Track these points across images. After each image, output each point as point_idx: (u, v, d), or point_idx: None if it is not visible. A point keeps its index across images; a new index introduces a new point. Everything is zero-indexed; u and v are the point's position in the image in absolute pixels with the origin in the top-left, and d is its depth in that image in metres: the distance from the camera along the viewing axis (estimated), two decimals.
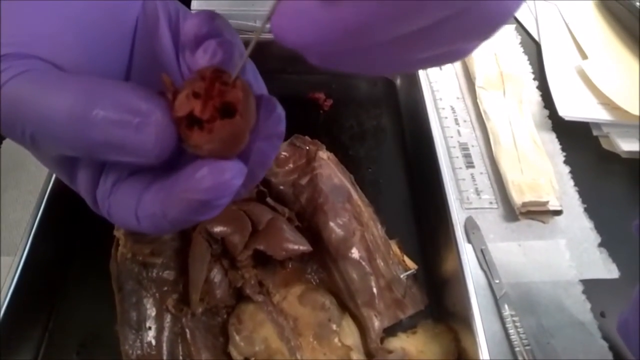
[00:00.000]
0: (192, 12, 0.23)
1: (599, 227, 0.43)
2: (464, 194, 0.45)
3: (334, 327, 0.33)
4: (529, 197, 0.42)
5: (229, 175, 0.17)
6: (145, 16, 0.21)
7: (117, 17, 0.20)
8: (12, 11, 0.18)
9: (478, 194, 0.45)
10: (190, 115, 0.16)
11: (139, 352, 0.32)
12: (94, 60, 0.19)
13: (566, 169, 0.47)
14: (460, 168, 0.46)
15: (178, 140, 0.17)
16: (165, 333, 0.33)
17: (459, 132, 0.49)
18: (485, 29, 0.16)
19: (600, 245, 0.42)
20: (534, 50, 0.57)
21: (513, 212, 0.43)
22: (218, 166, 0.17)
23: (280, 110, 0.18)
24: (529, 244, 0.42)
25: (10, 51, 0.17)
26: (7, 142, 0.45)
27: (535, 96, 0.53)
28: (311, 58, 0.17)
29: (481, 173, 0.46)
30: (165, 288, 0.33)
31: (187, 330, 0.33)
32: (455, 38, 0.15)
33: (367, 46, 0.15)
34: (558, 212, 0.43)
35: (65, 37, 0.18)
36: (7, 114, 0.16)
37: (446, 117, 0.50)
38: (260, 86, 0.21)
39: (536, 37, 0.58)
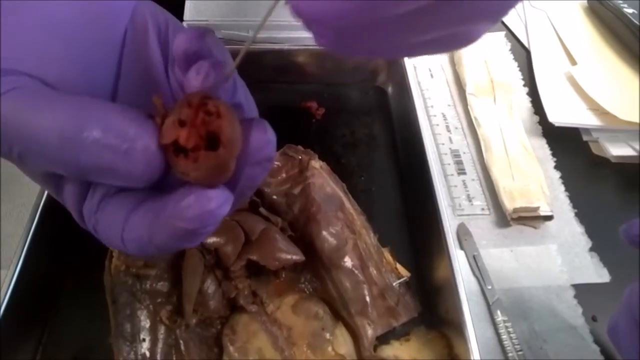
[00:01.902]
0: (184, 26, 0.23)
1: (590, 232, 0.44)
2: (456, 201, 0.45)
3: (328, 336, 0.33)
4: (519, 203, 0.43)
5: (215, 205, 0.17)
6: (133, 28, 0.21)
7: (105, 30, 0.20)
8: None
9: (470, 201, 0.45)
10: (176, 142, 0.16)
11: None
12: (81, 74, 0.19)
13: (557, 174, 0.48)
14: (452, 175, 0.47)
15: (166, 165, 0.17)
16: (160, 345, 0.33)
17: (450, 139, 0.50)
18: (492, 8, 0.16)
19: (591, 249, 0.43)
20: (523, 56, 0.58)
21: (505, 218, 0.44)
22: (204, 195, 0.17)
23: (270, 135, 0.18)
24: (520, 249, 0.42)
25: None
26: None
27: (526, 102, 0.53)
28: (324, 37, 0.16)
29: (473, 179, 0.47)
30: (159, 300, 0.34)
31: (182, 342, 0.33)
32: (463, 17, 0.16)
33: (378, 21, 0.15)
34: (549, 218, 0.43)
35: (52, 51, 0.18)
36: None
37: (437, 124, 0.51)
38: (251, 108, 0.21)
39: (526, 44, 0.59)
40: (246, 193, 0.19)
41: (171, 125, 0.16)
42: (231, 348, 0.33)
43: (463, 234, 0.43)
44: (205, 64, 0.18)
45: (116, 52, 0.20)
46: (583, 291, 0.40)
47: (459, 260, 0.36)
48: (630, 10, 0.56)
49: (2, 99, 0.16)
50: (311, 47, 0.52)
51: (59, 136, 0.16)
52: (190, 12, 0.55)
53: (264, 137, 0.18)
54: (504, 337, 0.37)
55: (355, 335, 0.35)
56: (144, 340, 0.33)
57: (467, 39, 0.18)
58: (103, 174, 0.16)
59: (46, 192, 0.37)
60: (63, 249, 0.39)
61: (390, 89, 0.52)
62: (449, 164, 0.48)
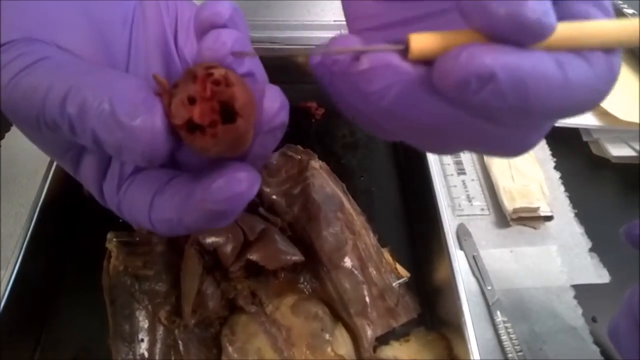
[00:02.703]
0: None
1: (590, 233, 0.44)
2: (456, 201, 0.45)
3: (327, 336, 0.33)
4: (519, 204, 0.43)
5: (245, 187, 0.17)
6: (142, 5, 0.21)
7: (117, 4, 0.21)
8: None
9: (470, 201, 0.45)
10: (190, 120, 0.16)
11: None
12: (101, 47, 0.19)
13: (557, 175, 0.48)
14: (452, 175, 0.47)
15: (174, 143, 0.17)
16: (158, 345, 0.33)
17: None
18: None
19: (591, 250, 0.43)
20: None
21: (504, 218, 0.44)
22: (234, 178, 0.17)
23: (283, 100, 0.18)
24: (520, 250, 0.42)
25: (20, 36, 0.17)
26: None
27: None
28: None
29: (472, 180, 0.47)
30: (158, 300, 0.33)
31: (180, 342, 0.33)
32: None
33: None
34: (549, 218, 0.43)
35: (68, 23, 0.19)
36: (23, 102, 0.16)
37: None
38: (262, 75, 0.20)
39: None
40: (257, 163, 0.19)
41: (180, 104, 0.16)
42: (230, 348, 0.33)
43: (463, 235, 0.42)
44: (228, 32, 0.18)
45: (127, 26, 0.21)
46: (583, 292, 0.40)
47: (458, 260, 0.36)
48: (630, 11, 0.56)
49: (33, 67, 0.16)
50: (310, 47, 0.52)
51: (79, 107, 0.16)
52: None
53: (278, 102, 0.18)
54: (504, 337, 0.37)
55: (355, 336, 0.34)
56: (142, 340, 0.32)
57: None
58: (114, 149, 0.16)
59: (45, 192, 0.37)
60: (62, 249, 0.39)
61: None
62: (449, 164, 0.47)
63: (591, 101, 0.15)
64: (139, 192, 0.19)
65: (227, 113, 0.16)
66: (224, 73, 0.16)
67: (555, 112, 0.15)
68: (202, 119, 0.16)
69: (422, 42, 0.15)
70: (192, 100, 0.16)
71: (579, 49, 0.15)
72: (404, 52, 0.15)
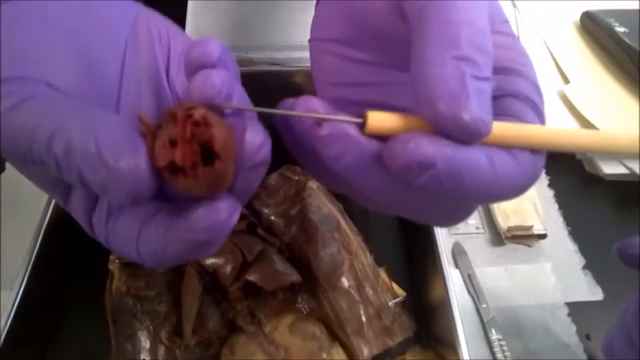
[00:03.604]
0: (185, 33, 0.24)
1: (583, 250, 0.45)
2: None
3: (324, 355, 0.34)
4: (513, 222, 0.44)
5: (224, 216, 0.17)
6: (135, 36, 0.22)
7: (108, 38, 0.21)
8: (7, 34, 0.18)
9: (465, 220, 0.46)
10: (171, 163, 0.16)
11: None
12: (89, 82, 0.19)
13: (550, 193, 0.48)
14: None
15: (158, 181, 0.17)
16: None
17: None
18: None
19: (585, 267, 0.43)
20: None
21: (499, 236, 0.44)
22: (213, 207, 0.17)
23: (264, 137, 0.18)
24: (515, 268, 0.43)
25: (10, 75, 0.17)
26: (4, 175, 0.46)
27: None
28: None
29: None
30: (159, 320, 0.34)
31: None
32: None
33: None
34: (543, 236, 0.44)
35: (59, 59, 0.19)
36: (11, 139, 0.17)
37: None
38: (250, 113, 0.21)
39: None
40: (243, 199, 0.19)
41: (162, 146, 0.16)
42: None
43: (458, 253, 0.43)
44: (216, 73, 0.18)
45: (119, 59, 0.21)
46: (577, 309, 0.41)
47: (453, 279, 0.37)
48: (622, 29, 0.57)
49: (21, 106, 0.17)
50: (309, 68, 0.53)
51: (65, 147, 0.16)
52: (190, 33, 0.56)
53: (258, 140, 0.18)
54: (499, 355, 0.38)
55: (352, 355, 0.35)
56: None
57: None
58: (100, 188, 0.17)
59: (49, 213, 0.38)
60: (66, 270, 0.40)
61: None
62: None
63: (514, 192, 0.18)
64: (126, 225, 0.19)
65: (207, 154, 0.16)
66: (203, 113, 0.16)
67: (483, 198, 0.17)
68: (183, 162, 0.16)
69: (378, 120, 0.17)
70: (173, 143, 0.16)
71: (509, 147, 0.17)
72: (362, 125, 0.17)
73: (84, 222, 0.21)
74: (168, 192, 0.20)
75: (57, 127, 0.16)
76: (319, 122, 0.17)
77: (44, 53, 0.19)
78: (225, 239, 0.18)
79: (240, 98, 0.20)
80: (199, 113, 0.16)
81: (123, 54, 0.21)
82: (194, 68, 0.19)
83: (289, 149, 0.20)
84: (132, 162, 0.16)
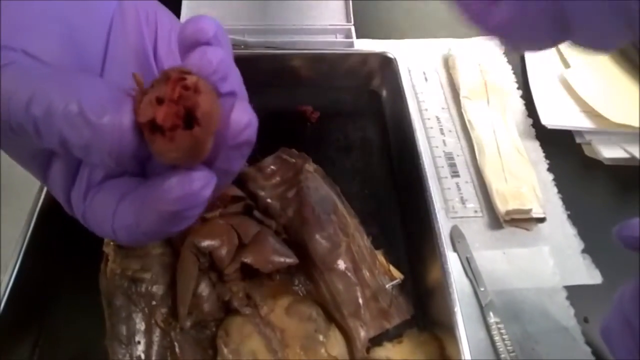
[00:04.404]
0: (173, 15, 0.24)
1: (582, 234, 0.44)
2: (450, 203, 0.45)
3: (321, 338, 0.34)
4: (512, 206, 0.43)
5: (198, 186, 0.17)
6: (121, 12, 0.21)
7: (93, 13, 0.21)
8: None
9: (463, 203, 0.46)
10: (153, 121, 0.16)
11: None
12: (72, 53, 0.19)
13: (550, 177, 0.48)
14: (446, 177, 0.47)
15: (143, 145, 0.17)
16: (155, 347, 0.33)
17: (444, 142, 0.50)
18: None
19: (584, 251, 0.43)
20: (517, 60, 0.58)
21: (498, 220, 0.44)
22: (187, 176, 0.17)
23: (251, 117, 0.18)
24: (513, 251, 0.43)
25: None
26: None
27: (519, 105, 0.54)
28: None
29: (466, 182, 0.47)
30: (154, 303, 0.34)
31: (176, 344, 0.33)
32: None
33: None
34: (541, 220, 0.44)
35: (40, 31, 0.19)
36: None
37: (431, 127, 0.51)
38: (244, 97, 0.21)
39: None
40: (223, 179, 0.18)
41: (148, 103, 0.16)
42: (225, 350, 0.33)
43: (456, 236, 0.43)
44: (213, 50, 0.18)
45: (104, 34, 0.21)
46: (575, 293, 0.41)
47: (451, 262, 0.36)
48: None
49: (2, 70, 0.16)
50: (306, 51, 0.52)
51: (45, 109, 0.16)
52: (186, 16, 0.55)
53: (245, 118, 0.17)
54: (497, 338, 0.38)
55: (348, 337, 0.35)
56: (139, 342, 0.33)
57: None
58: (81, 149, 0.16)
59: (43, 197, 0.38)
60: (60, 253, 0.39)
61: (384, 93, 0.53)
62: (443, 167, 0.48)
63: None
64: (104, 200, 0.19)
65: (190, 120, 0.16)
66: (195, 80, 0.16)
67: None
68: (164, 121, 0.16)
69: None
70: (160, 101, 0.16)
71: None
72: None
73: (62, 199, 0.20)
74: (150, 171, 0.20)
75: (36, 90, 0.16)
76: None
77: (25, 24, 0.18)
78: (201, 212, 0.18)
79: (236, 78, 0.20)
80: (192, 79, 0.16)
81: (108, 29, 0.21)
82: (188, 45, 0.18)
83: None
84: (116, 118, 0.16)
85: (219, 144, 0.17)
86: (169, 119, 0.16)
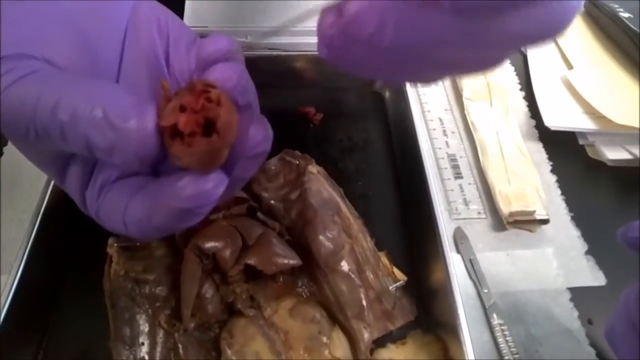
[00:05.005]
0: (184, 22, 0.25)
1: (586, 235, 0.44)
2: (453, 205, 0.45)
3: (324, 339, 0.34)
4: (515, 207, 0.43)
5: (211, 185, 0.18)
6: (134, 21, 0.22)
7: (108, 21, 0.22)
8: (7, 14, 0.19)
9: (466, 205, 0.45)
10: (174, 126, 0.17)
11: None
12: (88, 61, 0.20)
13: (553, 178, 0.48)
14: (449, 179, 0.47)
15: (162, 147, 0.18)
16: (158, 348, 0.33)
17: (447, 143, 0.50)
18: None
19: (587, 253, 0.43)
20: (520, 61, 0.58)
21: (501, 221, 0.44)
22: (201, 176, 0.18)
23: (269, 131, 0.20)
24: (516, 253, 0.43)
25: (11, 52, 0.18)
26: (2, 160, 0.46)
27: (522, 106, 0.54)
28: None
29: (469, 184, 0.47)
30: (158, 304, 0.34)
31: (180, 346, 0.33)
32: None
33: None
34: (545, 221, 0.44)
35: (58, 39, 0.20)
36: (13, 112, 0.17)
37: (434, 129, 0.51)
38: (256, 107, 0.23)
39: (522, 48, 0.59)
40: (237, 185, 0.20)
41: (172, 109, 0.17)
42: (229, 351, 0.33)
43: (459, 238, 0.43)
44: (232, 66, 0.20)
45: (119, 42, 0.22)
46: (579, 294, 0.41)
47: (455, 264, 0.36)
48: (626, 15, 0.57)
49: (22, 81, 0.17)
50: (309, 53, 0.52)
51: (71, 114, 0.17)
52: (189, 18, 0.56)
53: (264, 132, 0.19)
54: (500, 340, 0.38)
55: (352, 339, 0.35)
56: (143, 344, 0.33)
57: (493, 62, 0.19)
58: (106, 151, 0.17)
59: (47, 198, 0.38)
60: (63, 254, 0.39)
61: (387, 94, 0.53)
62: (446, 168, 0.48)
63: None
64: (117, 196, 0.20)
65: (209, 130, 0.17)
66: (219, 94, 0.17)
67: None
68: (185, 127, 0.17)
69: None
70: (182, 108, 0.17)
71: None
72: None
73: (78, 199, 0.21)
74: (161, 172, 0.21)
75: (61, 96, 0.17)
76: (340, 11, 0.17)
77: (44, 32, 0.19)
78: (209, 210, 0.19)
79: (252, 92, 0.22)
80: (216, 92, 0.18)
81: (122, 39, 0.22)
82: (208, 63, 0.21)
83: (343, 66, 0.19)
84: (140, 122, 0.17)
85: (238, 154, 0.19)
86: (190, 125, 0.17)
